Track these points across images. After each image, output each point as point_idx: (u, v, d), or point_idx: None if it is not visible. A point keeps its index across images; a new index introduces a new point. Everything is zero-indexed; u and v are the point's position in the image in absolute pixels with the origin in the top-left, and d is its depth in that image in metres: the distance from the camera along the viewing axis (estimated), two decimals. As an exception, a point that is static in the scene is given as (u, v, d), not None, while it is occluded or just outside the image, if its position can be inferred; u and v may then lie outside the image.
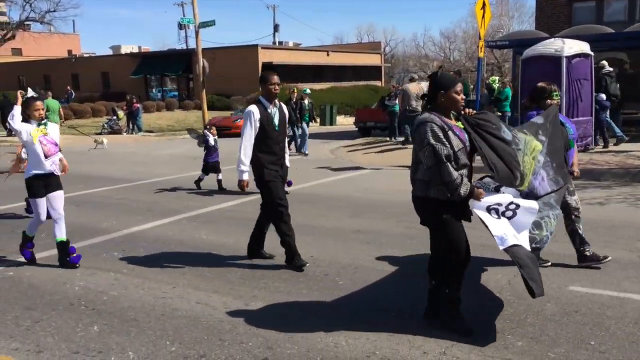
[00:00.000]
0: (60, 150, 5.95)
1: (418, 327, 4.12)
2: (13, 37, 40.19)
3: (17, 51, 53.68)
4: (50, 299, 4.93)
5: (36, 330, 4.29)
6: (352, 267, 5.56)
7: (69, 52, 55.53)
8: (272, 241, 5.99)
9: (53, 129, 5.86)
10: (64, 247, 5.87)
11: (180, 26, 48.34)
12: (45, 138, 5.71)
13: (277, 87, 5.47)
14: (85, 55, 53.04)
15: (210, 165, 10.31)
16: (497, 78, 16.04)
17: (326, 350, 3.82)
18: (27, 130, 5.63)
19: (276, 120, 5.52)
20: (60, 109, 19.18)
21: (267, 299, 4.78)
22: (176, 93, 42.65)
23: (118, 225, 7.60)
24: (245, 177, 5.46)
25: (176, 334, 4.16)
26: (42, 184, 5.72)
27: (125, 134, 24.69)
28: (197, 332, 4.17)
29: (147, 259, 6.08)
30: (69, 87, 39.49)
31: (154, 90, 43.22)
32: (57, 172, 5.84)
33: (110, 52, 52.13)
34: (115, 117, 25.41)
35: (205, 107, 25.00)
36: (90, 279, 5.46)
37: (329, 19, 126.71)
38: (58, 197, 5.84)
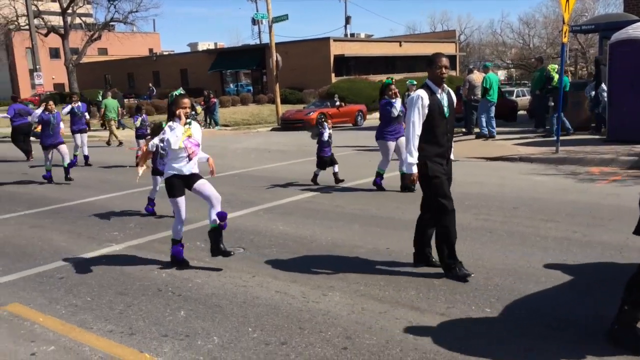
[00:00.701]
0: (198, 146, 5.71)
1: (505, 326, 4.02)
2: (99, 37, 42.55)
3: (103, 51, 56.73)
4: (140, 285, 5.21)
5: (128, 314, 4.56)
6: (430, 260, 5.50)
7: (150, 50, 58.05)
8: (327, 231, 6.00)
9: (196, 129, 5.69)
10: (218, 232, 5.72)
11: (254, 22, 49.32)
12: (190, 141, 5.55)
13: (444, 71, 4.88)
14: (165, 53, 55.27)
15: (326, 160, 9.93)
16: (556, 66, 15.22)
17: (405, 342, 3.81)
18: (177, 136, 5.44)
19: (445, 107, 4.93)
20: (119, 108, 20.30)
21: (344, 290, 4.83)
22: (250, 87, 43.60)
23: (199, 216, 7.89)
24: (415, 170, 4.87)
25: (257, 321, 4.29)
26: (182, 184, 5.58)
27: (202, 128, 25.53)
28: (278, 320, 4.28)
29: (226, 247, 6.27)
30: (150, 84, 41.34)
31: (230, 85, 44.39)
32: (197, 171, 5.68)
33: (188, 50, 53.99)
34: (193, 112, 26.32)
35: (278, 100, 25.43)
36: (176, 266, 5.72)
37: (401, 9, 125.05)
38: (204, 183, 5.64)
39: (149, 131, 12.61)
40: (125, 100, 34.43)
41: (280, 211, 8.02)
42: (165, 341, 4.03)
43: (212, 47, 56.31)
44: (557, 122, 12.09)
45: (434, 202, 4.97)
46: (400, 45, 43.25)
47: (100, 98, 24.09)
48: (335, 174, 9.98)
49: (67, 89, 46.27)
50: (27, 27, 31.65)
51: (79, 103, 14.04)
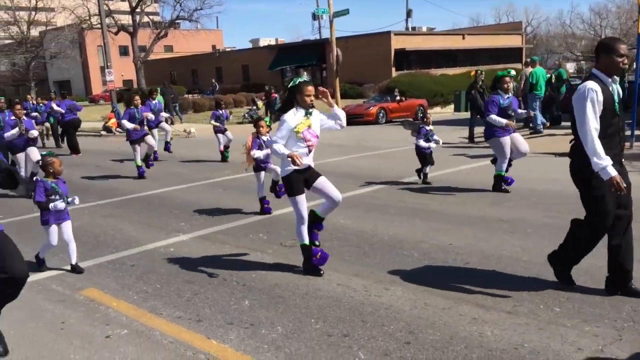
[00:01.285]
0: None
1: (570, 322, 3.89)
2: (165, 35, 43.92)
3: (168, 48, 58.53)
4: (206, 274, 5.37)
5: (195, 302, 4.71)
6: (495, 257, 5.37)
7: (213, 47, 59.40)
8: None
9: (316, 120, 5.18)
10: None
11: (314, 17, 49.35)
12: (309, 131, 5.08)
13: (626, 60, 4.18)
14: (227, 49, 56.40)
15: (426, 156, 9.39)
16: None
17: (470, 338, 3.75)
18: (290, 124, 4.94)
19: (617, 103, 4.18)
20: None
21: (406, 285, 4.80)
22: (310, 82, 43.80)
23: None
24: (613, 172, 3.93)
25: (320, 312, 4.33)
26: (302, 178, 5.17)
27: (263, 123, 25.94)
28: (340, 312, 4.30)
29: (288, 240, 6.36)
30: (213, 80, 42.35)
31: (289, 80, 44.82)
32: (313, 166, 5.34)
33: (249, 46, 54.94)
34: (255, 107, 26.78)
35: (338, 95, 25.45)
36: (240, 257, 5.86)
37: (464, 1, 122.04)
38: (325, 181, 5.35)
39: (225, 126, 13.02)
40: (189, 96, 35.45)
41: (342, 205, 8.02)
42: (231, 329, 4.14)
43: (272, 43, 56.98)
44: (632, 116, 11.50)
45: (594, 217, 4.24)
46: (463, 38, 42.29)
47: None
48: (425, 174, 9.42)
49: (135, 85, 48.08)
50: (99, 26, 33.13)
51: (156, 100, 14.31)
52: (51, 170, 5.55)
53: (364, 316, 4.20)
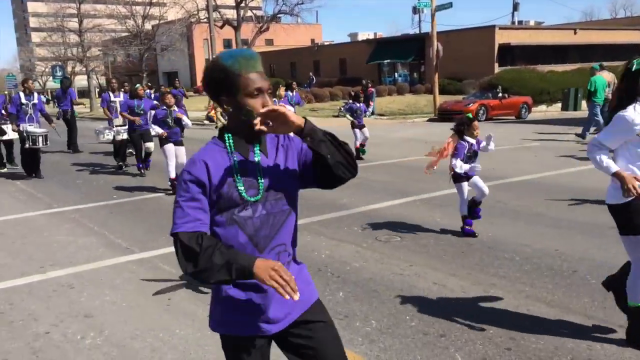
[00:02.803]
0: None
1: (693, 343, 3.55)
2: (267, 29, 45.10)
3: (269, 41, 60.05)
4: (301, 263, 5.46)
5: (291, 289, 4.80)
6: (608, 267, 5.00)
7: (312, 40, 60.19)
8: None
9: None
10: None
11: (415, 10, 48.61)
12: None
13: None
14: (325, 43, 56.96)
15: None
16: None
17: (577, 351, 3.53)
18: (635, 124, 3.38)
19: None
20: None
21: (507, 289, 4.61)
22: (407, 77, 43.28)
23: (357, 202, 8.05)
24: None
25: (415, 310, 4.27)
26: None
27: (359, 117, 25.95)
28: (436, 312, 4.21)
29: (383, 235, 6.33)
30: (310, 73, 42.94)
31: (386, 75, 44.49)
32: None
33: (347, 40, 55.14)
34: (350, 101, 26.86)
35: (436, 91, 24.91)
36: (335, 249, 5.90)
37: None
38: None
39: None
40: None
41: (437, 202, 7.87)
42: (326, 319, 4.18)
43: (371, 37, 56.82)
44: None
45: None
46: (575, 33, 39.77)
47: None
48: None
49: (237, 78, 49.82)
50: (206, 20, 34.64)
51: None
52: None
53: (461, 318, 4.09)
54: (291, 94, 14.39)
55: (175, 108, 9.09)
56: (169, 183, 9.00)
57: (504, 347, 3.63)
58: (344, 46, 49.73)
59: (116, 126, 12.01)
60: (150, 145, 10.99)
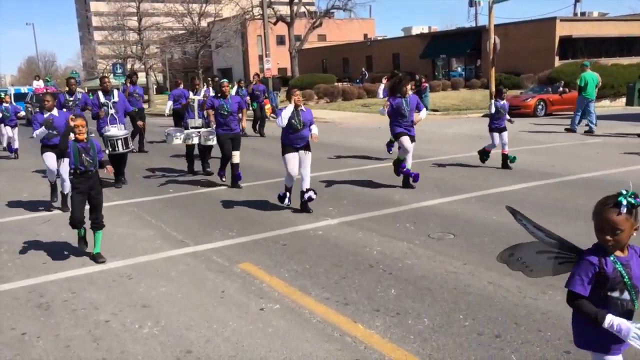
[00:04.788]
0: None
1: None
2: (320, 24, 45.20)
3: (322, 37, 60.12)
4: (353, 259, 5.45)
5: (342, 285, 4.80)
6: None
7: (365, 35, 59.87)
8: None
9: None
10: None
11: (471, 3, 47.51)
12: None
13: None
14: (378, 38, 56.53)
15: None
16: None
17: (642, 357, 3.37)
18: None
19: None
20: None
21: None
22: (462, 72, 42.41)
23: (409, 198, 7.95)
24: None
25: (469, 309, 4.18)
26: None
27: (412, 112, 25.63)
28: (491, 312, 4.11)
29: (436, 232, 6.22)
30: (363, 69, 42.77)
31: (441, 69, 43.76)
32: None
33: (401, 34, 54.54)
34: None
35: (493, 86, 24.27)
36: (387, 245, 5.86)
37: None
38: None
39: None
40: (339, 84, 36.14)
41: (492, 200, 7.67)
42: (377, 316, 4.15)
43: (425, 31, 55.94)
44: None
45: None
46: (641, 24, 37.87)
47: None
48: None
49: (289, 73, 50.25)
50: (259, 17, 35.05)
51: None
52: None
53: (517, 318, 3.97)
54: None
55: (303, 108, 7.43)
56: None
57: (563, 350, 3.50)
58: (397, 41, 49.19)
59: (191, 127, 10.49)
60: (235, 154, 9.16)
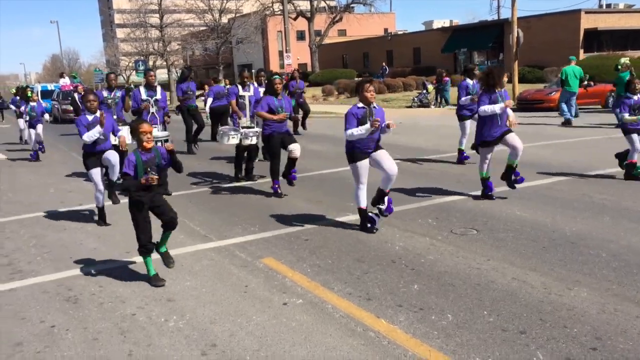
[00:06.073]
0: None
1: None
2: (340, 19, 45.13)
3: (342, 32, 59.99)
4: (375, 255, 5.45)
5: (365, 280, 4.81)
6: None
7: (385, 30, 59.53)
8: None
9: None
10: None
11: (493, -4, 46.94)
12: None
13: None
14: (399, 32, 56.19)
15: None
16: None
17: (671, 355, 3.32)
18: None
19: None
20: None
21: (592, 286, 4.38)
22: (483, 66, 41.94)
23: (430, 194, 7.92)
24: None
25: (493, 305, 4.15)
26: None
27: (433, 107, 25.46)
28: (515, 308, 4.08)
29: (459, 228, 6.18)
30: (383, 63, 42.54)
31: (462, 63, 43.34)
32: None
33: (422, 28, 54.16)
34: (425, 91, 26.36)
35: (516, 79, 23.98)
36: (409, 241, 5.84)
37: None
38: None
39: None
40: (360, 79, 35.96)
41: (516, 195, 7.59)
42: (400, 311, 4.15)
43: (447, 25, 55.45)
44: None
45: None
46: (669, 16, 37.01)
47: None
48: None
49: (309, 69, 50.27)
50: (280, 12, 35.09)
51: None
52: None
53: (542, 315, 3.94)
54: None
55: (376, 105, 6.13)
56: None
57: (589, 346, 3.47)
58: (418, 35, 48.84)
59: (243, 128, 9.19)
60: (295, 148, 8.06)
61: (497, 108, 7.04)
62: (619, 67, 13.74)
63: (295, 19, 45.20)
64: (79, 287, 4.99)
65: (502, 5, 48.55)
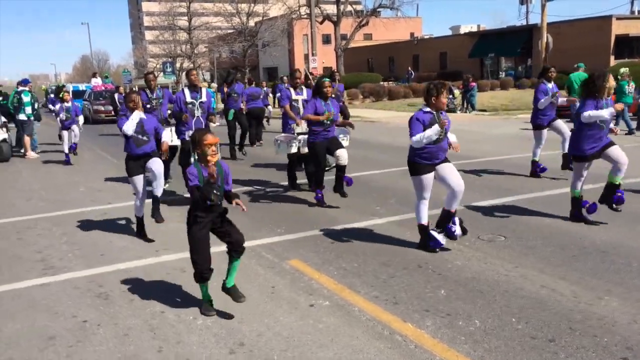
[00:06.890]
0: None
1: None
2: (367, 23, 45.07)
3: (368, 36, 59.90)
4: (401, 259, 5.44)
5: (391, 284, 4.81)
6: None
7: (411, 34, 59.30)
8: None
9: None
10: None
11: (522, 1, 46.50)
12: None
13: None
14: (425, 37, 55.93)
15: None
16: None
17: None
18: None
19: None
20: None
21: (624, 296, 4.32)
22: (512, 72, 41.48)
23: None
24: None
25: (522, 313, 4.12)
26: None
27: (459, 112, 25.27)
28: (544, 316, 4.04)
29: (486, 234, 6.14)
30: (409, 68, 42.40)
31: (489, 68, 42.95)
32: None
33: (449, 33, 53.83)
34: (451, 96, 26.19)
35: (544, 85, 23.65)
36: (435, 246, 5.81)
37: None
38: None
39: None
40: (385, 84, 35.93)
41: (543, 202, 7.50)
42: (427, 316, 4.15)
43: (474, 29, 54.98)
44: None
45: None
46: None
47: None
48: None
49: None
50: (306, 16, 35.23)
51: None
52: None
53: (572, 323, 3.89)
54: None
55: (443, 112, 5.77)
56: None
57: (620, 356, 3.42)
58: (444, 40, 48.54)
59: (299, 134, 8.53)
60: (342, 154, 7.51)
61: (605, 113, 6.07)
62: (619, 76, 14.29)
63: (321, 22, 45.29)
64: (110, 284, 5.10)
65: (531, 11, 47.94)
